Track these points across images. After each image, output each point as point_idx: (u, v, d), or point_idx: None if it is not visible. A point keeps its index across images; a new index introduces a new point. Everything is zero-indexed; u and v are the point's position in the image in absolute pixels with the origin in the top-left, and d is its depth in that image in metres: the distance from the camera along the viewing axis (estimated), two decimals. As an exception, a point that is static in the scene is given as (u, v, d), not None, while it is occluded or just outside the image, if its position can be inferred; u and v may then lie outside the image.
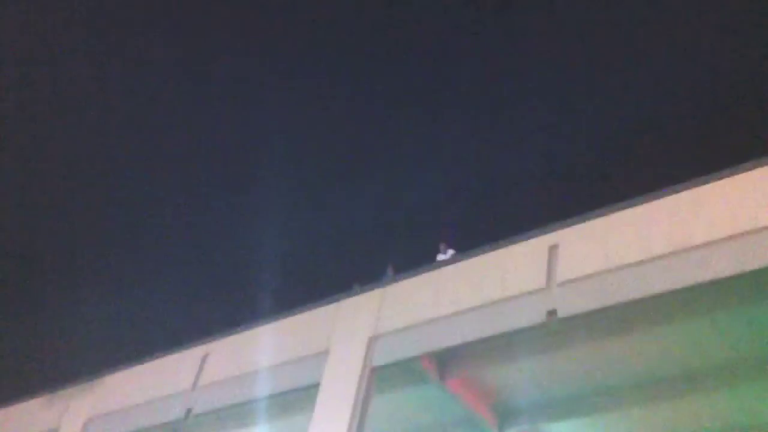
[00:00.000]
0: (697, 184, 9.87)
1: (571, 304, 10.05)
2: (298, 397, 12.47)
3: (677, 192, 9.99)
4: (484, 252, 11.53)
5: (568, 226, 10.77)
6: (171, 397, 13.99)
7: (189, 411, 13.51)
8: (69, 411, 16.03)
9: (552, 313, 10.10)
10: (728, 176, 9.65)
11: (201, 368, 13.99)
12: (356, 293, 12.99)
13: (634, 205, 10.31)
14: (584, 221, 10.67)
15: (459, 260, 11.98)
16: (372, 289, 12.66)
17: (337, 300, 13.01)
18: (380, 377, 11.67)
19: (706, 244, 9.17)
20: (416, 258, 14.71)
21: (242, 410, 13.36)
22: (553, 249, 10.58)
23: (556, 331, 10.61)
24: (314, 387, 12.01)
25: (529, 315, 10.31)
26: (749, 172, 9.56)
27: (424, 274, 12.26)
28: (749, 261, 8.87)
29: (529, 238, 11.07)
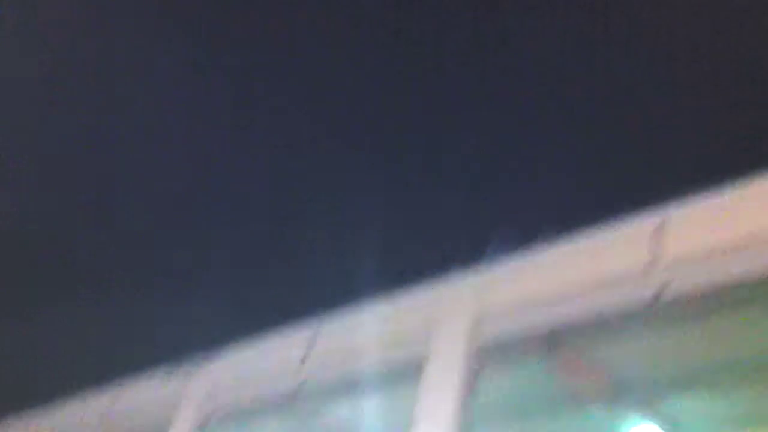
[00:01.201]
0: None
1: (680, 283, 9.96)
2: (409, 372, 12.80)
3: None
4: (591, 229, 11.49)
5: (676, 203, 10.63)
6: (285, 370, 14.54)
7: (303, 383, 14.02)
8: (189, 385, 16.86)
9: (662, 289, 10.03)
10: None
11: (313, 343, 14.48)
12: (462, 269, 13.14)
13: (746, 181, 10.10)
14: (694, 198, 10.51)
15: (563, 239, 12.01)
16: (478, 266, 12.79)
17: (443, 276, 13.18)
18: (488, 355, 11.85)
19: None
20: (523, 234, 14.79)
21: (353, 384, 13.80)
22: (661, 226, 10.47)
23: (668, 308, 10.53)
24: (420, 364, 12.28)
25: (638, 292, 10.27)
26: None
27: (531, 251, 12.30)
28: None
29: (636, 214, 10.98)
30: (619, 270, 10.59)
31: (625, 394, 12.86)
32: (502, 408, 13.77)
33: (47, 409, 20.93)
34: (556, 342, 11.93)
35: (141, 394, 18.02)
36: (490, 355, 11.76)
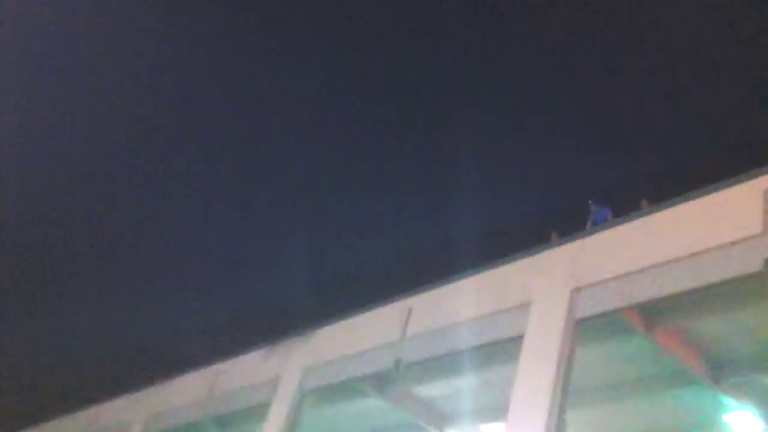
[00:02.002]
0: None
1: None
2: (503, 349, 12.65)
3: None
4: (692, 198, 11.02)
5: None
6: (381, 347, 14.64)
7: (399, 361, 14.08)
8: (288, 362, 17.21)
9: (769, 260, 9.52)
10: None
11: (407, 321, 14.50)
12: (557, 243, 12.89)
13: None
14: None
15: (664, 208, 11.54)
16: (573, 239, 12.51)
17: (538, 251, 12.97)
18: (584, 329, 11.57)
19: None
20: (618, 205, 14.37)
21: (449, 361, 13.76)
22: (768, 193, 9.94)
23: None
24: (517, 339, 12.11)
25: (744, 263, 9.78)
26: None
27: (627, 223, 11.94)
28: None
29: (741, 181, 10.46)
30: (726, 238, 10.06)
31: (725, 374, 12.32)
32: (599, 384, 13.43)
33: (156, 386, 21.67)
34: (655, 316, 11.49)
35: (243, 370, 18.49)
36: (588, 328, 11.44)
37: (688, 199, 11.06)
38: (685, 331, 11.99)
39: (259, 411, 16.87)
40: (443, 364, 14.31)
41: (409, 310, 14.86)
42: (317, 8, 39.05)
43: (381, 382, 16.15)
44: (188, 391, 20.56)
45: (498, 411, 13.56)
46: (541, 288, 12.31)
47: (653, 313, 11.58)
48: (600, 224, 13.24)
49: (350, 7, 38.93)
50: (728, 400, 12.80)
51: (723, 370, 12.54)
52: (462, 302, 13.84)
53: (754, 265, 9.66)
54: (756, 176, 10.36)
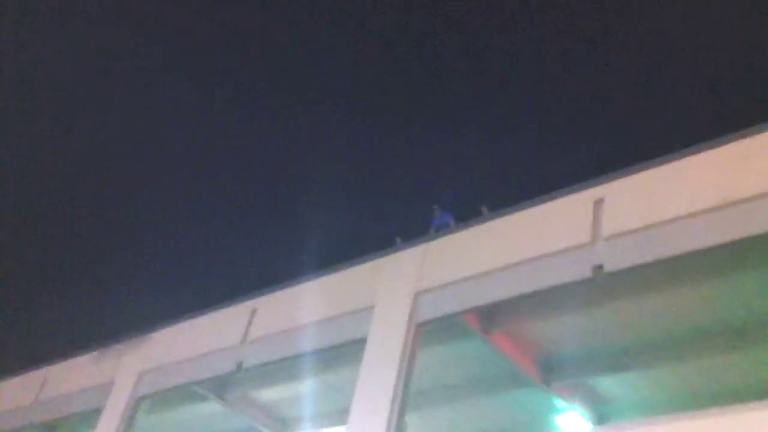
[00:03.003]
0: (744, 136, 9.65)
1: (617, 259, 9.96)
2: (345, 352, 12.66)
3: (724, 144, 9.77)
4: (527, 207, 11.46)
5: (614, 179, 10.65)
6: (222, 351, 14.28)
7: (240, 365, 13.80)
8: (122, 365, 16.47)
9: (598, 268, 10.03)
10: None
11: (250, 323, 14.23)
12: (400, 248, 13.05)
13: (681, 157, 10.14)
14: (630, 174, 10.54)
15: (503, 215, 11.94)
16: (416, 243, 12.71)
17: (382, 255, 13.08)
18: (425, 332, 11.77)
19: (755, 197, 9.00)
20: (459, 212, 14.75)
21: (291, 364, 13.61)
22: (598, 203, 10.48)
23: (602, 286, 10.56)
24: (360, 342, 12.16)
25: (575, 270, 10.26)
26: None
27: (467, 230, 12.26)
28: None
29: (573, 191, 10.97)
30: (558, 245, 10.50)
31: (556, 376, 12.93)
32: (438, 386, 13.72)
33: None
34: (492, 319, 11.86)
35: (73, 375, 17.51)
36: (430, 331, 11.63)
37: (524, 207, 11.50)
38: (519, 335, 12.46)
39: (91, 417, 16.08)
40: (285, 368, 14.16)
41: (252, 312, 14.61)
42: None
43: (221, 386, 15.78)
44: (12, 396, 19.32)
45: (340, 414, 13.55)
46: (385, 291, 12.41)
47: (490, 317, 11.96)
48: (442, 229, 13.53)
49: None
50: (559, 402, 13.42)
51: (554, 372, 13.13)
52: (306, 305, 13.74)
53: (583, 272, 10.15)
54: (587, 187, 10.91)
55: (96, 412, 15.90)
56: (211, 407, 16.01)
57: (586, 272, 10.14)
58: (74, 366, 18.13)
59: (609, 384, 13.08)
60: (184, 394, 15.51)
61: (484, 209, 13.23)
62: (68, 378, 17.89)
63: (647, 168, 10.49)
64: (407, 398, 11.22)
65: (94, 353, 17.78)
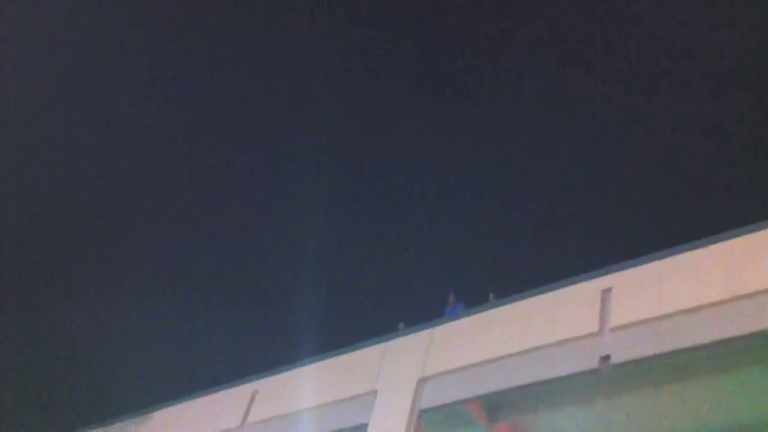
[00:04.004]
0: (753, 230, 9.64)
1: (625, 350, 9.82)
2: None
3: (734, 237, 9.76)
4: (535, 295, 11.38)
5: (622, 270, 10.60)
6: (221, 432, 14.06)
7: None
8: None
9: (605, 358, 9.88)
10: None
11: (250, 405, 14.03)
12: (404, 334, 12.94)
13: (689, 249, 10.11)
14: (638, 265, 10.49)
15: (510, 302, 11.85)
16: (420, 329, 12.60)
17: (386, 340, 12.96)
18: (428, 420, 11.54)
19: (762, 292, 8.93)
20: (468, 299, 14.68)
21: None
22: (606, 293, 10.40)
23: (609, 378, 10.37)
24: (362, 428, 11.94)
25: (582, 360, 10.11)
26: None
27: (473, 316, 12.15)
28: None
29: (581, 281, 10.91)
30: (564, 335, 10.38)
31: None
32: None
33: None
34: (496, 409, 11.61)
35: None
36: (433, 419, 11.41)
37: (531, 296, 11.42)
38: (524, 425, 12.17)
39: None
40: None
41: (253, 394, 14.42)
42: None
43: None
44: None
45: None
46: (388, 377, 12.24)
47: (494, 407, 11.72)
48: (449, 316, 13.43)
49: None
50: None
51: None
52: (307, 388, 13.56)
53: (590, 362, 9.99)
54: (595, 277, 10.85)
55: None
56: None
57: (593, 363, 9.98)
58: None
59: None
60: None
61: (492, 296, 13.14)
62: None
63: (655, 259, 10.45)
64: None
65: (98, 430, 17.55)
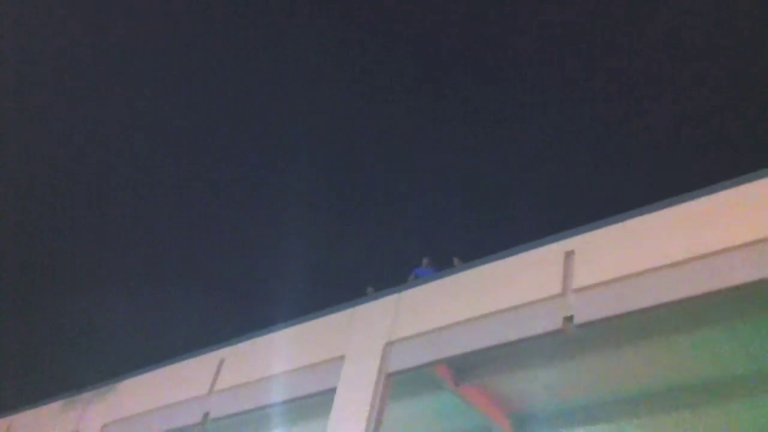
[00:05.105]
0: (715, 190, 9.80)
1: (587, 311, 9.98)
2: (314, 403, 12.48)
3: (695, 198, 9.91)
4: (499, 258, 11.49)
5: (584, 232, 10.74)
6: (188, 401, 14.02)
7: (206, 415, 13.54)
8: (86, 415, 16.12)
9: (568, 319, 10.03)
10: (746, 182, 9.59)
11: (217, 373, 14.02)
12: (372, 298, 12.99)
13: (651, 211, 10.25)
14: (600, 227, 10.64)
15: (474, 266, 11.95)
16: (387, 294, 12.66)
17: (353, 305, 13.01)
18: (396, 384, 11.65)
19: (725, 251, 9.08)
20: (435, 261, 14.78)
21: (259, 415, 13.38)
22: (569, 255, 10.53)
23: (573, 339, 10.54)
24: (330, 392, 12.01)
25: (545, 321, 10.25)
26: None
27: (439, 280, 12.24)
28: (768, 268, 8.81)
29: (544, 244, 11.03)
30: (528, 297, 10.51)
31: (528, 429, 12.81)
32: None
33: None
34: (463, 372, 11.77)
35: (38, 424, 17.11)
36: (401, 383, 11.51)
37: (495, 259, 11.52)
38: (490, 387, 12.37)
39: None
40: (254, 419, 13.91)
41: (220, 362, 14.41)
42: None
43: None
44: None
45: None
46: (355, 341, 12.30)
47: (461, 369, 11.88)
48: (414, 279, 13.53)
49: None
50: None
51: (526, 426, 13.02)
52: (275, 355, 13.58)
53: (555, 323, 10.14)
54: (557, 240, 10.97)
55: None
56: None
57: (557, 323, 10.13)
58: (39, 415, 17.73)
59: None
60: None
61: (456, 260, 13.23)
62: (33, 427, 17.47)
63: (617, 222, 10.60)
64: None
65: (59, 402, 17.41)
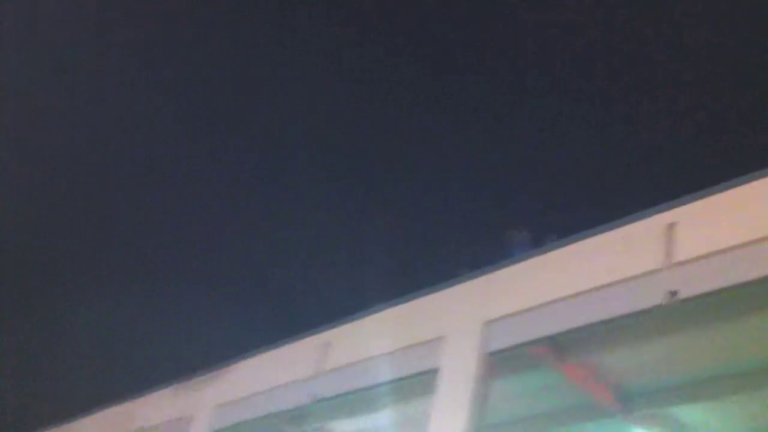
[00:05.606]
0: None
1: (692, 285, 9.71)
2: (415, 383, 12.64)
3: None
4: (598, 233, 11.30)
5: (686, 203, 10.44)
6: (296, 383, 14.43)
7: (314, 396, 13.90)
8: (200, 399, 16.80)
9: (673, 293, 9.80)
10: None
11: (323, 355, 14.35)
12: (468, 277, 13.00)
13: (757, 178, 9.87)
14: (703, 197, 10.31)
15: (573, 241, 11.79)
16: (484, 272, 12.65)
17: (451, 284, 13.06)
18: (498, 362, 11.66)
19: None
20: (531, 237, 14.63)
21: (363, 396, 13.65)
22: (670, 227, 10.27)
23: (678, 313, 10.30)
24: (431, 372, 12.13)
25: (649, 296, 10.04)
26: None
27: (536, 257, 12.14)
28: None
29: (644, 216, 10.78)
30: (629, 272, 10.31)
31: (634, 406, 12.57)
32: (510, 418, 13.52)
33: (65, 425, 20.85)
34: (564, 349, 11.65)
35: (155, 408, 17.96)
36: (500, 363, 11.52)
37: (594, 234, 11.34)
38: (593, 364, 12.21)
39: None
40: (360, 399, 14.20)
41: (325, 344, 14.74)
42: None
43: (296, 418, 15.90)
44: (98, 430, 19.88)
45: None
46: (454, 321, 12.37)
47: (562, 346, 11.76)
48: (512, 256, 13.45)
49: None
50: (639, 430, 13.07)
51: (632, 402, 12.80)
52: (377, 336, 13.79)
53: (657, 298, 9.93)
54: (658, 212, 10.71)
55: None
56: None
57: (660, 299, 9.92)
58: (155, 400, 18.58)
59: (690, 412, 12.66)
60: (262, 426, 15.70)
61: (552, 237, 13.08)
62: (151, 411, 18.33)
63: (721, 191, 10.25)
64: (481, 430, 11.11)
65: (173, 387, 18.19)
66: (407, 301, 13.72)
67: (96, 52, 36.78)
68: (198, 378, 17.26)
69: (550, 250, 12.04)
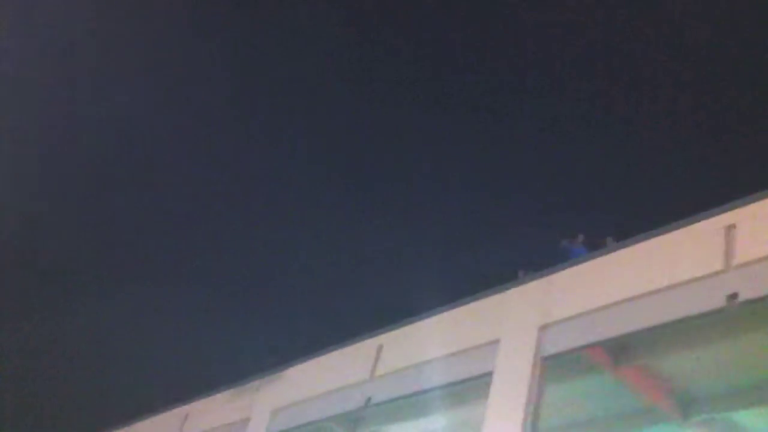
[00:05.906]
0: None
1: (752, 287, 9.54)
2: (470, 387, 12.61)
3: None
4: (655, 235, 11.15)
5: (746, 204, 10.24)
6: (351, 387, 14.52)
7: (369, 400, 13.97)
8: (256, 403, 17.01)
9: (732, 296, 9.63)
10: None
11: (377, 359, 14.42)
12: (524, 281, 12.95)
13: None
14: (764, 199, 10.11)
15: (630, 244, 11.65)
16: (540, 276, 12.58)
17: (505, 288, 13.01)
18: (553, 367, 11.58)
19: None
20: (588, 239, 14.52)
21: (417, 400, 13.67)
22: (730, 229, 10.10)
23: (738, 316, 10.10)
24: (486, 377, 12.09)
25: (708, 299, 9.88)
26: None
27: (593, 260, 12.04)
28: None
29: (703, 218, 10.61)
30: (688, 274, 10.15)
31: (693, 410, 12.35)
32: (566, 422, 13.40)
33: (123, 428, 21.29)
34: (621, 353, 11.52)
35: (212, 412, 18.24)
36: (556, 366, 11.43)
37: (651, 236, 11.19)
38: (651, 369, 12.04)
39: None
40: (414, 403, 14.23)
41: (379, 348, 14.81)
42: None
43: (351, 422, 16.00)
44: (157, 432, 20.24)
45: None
46: (509, 325, 12.32)
47: (619, 350, 11.64)
48: (568, 259, 13.34)
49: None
50: (698, 436, 12.86)
51: (691, 407, 12.59)
52: (431, 340, 13.81)
53: (717, 302, 9.76)
54: (717, 213, 10.53)
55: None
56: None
57: (720, 301, 9.76)
58: (213, 403, 18.86)
59: (750, 417, 12.40)
60: (317, 430, 15.83)
61: (609, 240, 12.96)
62: (208, 415, 18.60)
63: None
64: (536, 433, 11.05)
65: (231, 391, 18.44)
66: (462, 304, 13.71)
67: (96, 52, 37.23)
68: (254, 382, 17.47)
69: (607, 253, 11.93)
